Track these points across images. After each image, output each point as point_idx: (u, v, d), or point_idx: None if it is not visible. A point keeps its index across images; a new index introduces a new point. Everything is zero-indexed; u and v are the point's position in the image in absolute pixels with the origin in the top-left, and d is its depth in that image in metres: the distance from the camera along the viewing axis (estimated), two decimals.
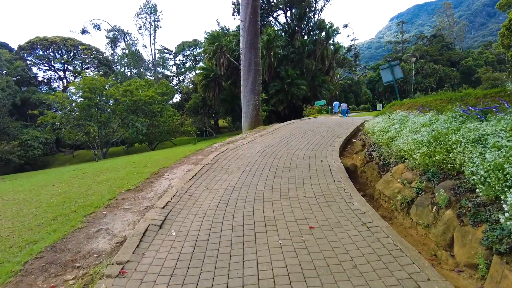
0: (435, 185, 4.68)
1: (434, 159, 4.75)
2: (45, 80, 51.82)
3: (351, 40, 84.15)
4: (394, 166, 5.95)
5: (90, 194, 7.30)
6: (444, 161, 4.63)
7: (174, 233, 4.44)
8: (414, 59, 65.27)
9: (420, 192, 4.91)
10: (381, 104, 63.39)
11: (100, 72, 51.19)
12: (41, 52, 48.78)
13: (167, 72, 73.55)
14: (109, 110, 35.93)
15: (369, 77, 74.19)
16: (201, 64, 57.55)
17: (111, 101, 36.86)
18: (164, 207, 5.25)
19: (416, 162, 5.02)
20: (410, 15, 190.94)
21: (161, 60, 72.47)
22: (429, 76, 65.07)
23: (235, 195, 5.82)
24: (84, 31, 60.29)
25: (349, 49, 57.59)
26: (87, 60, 52.26)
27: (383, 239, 4.08)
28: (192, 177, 6.82)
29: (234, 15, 44.23)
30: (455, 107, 6.20)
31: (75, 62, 52.22)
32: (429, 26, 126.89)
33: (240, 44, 16.85)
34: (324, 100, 32.75)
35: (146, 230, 4.47)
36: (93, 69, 52.67)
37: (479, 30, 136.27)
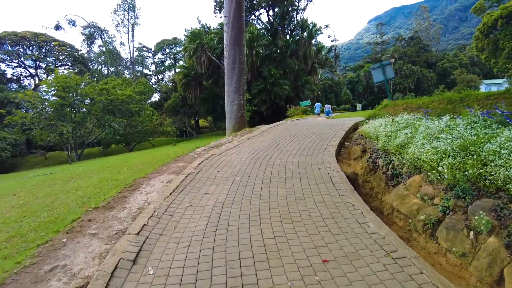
0: (467, 204, 3.89)
1: (466, 173, 3.96)
2: (15, 77, 48.66)
3: (332, 41, 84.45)
4: (408, 177, 5.15)
5: (56, 206, 6.23)
6: (480, 176, 3.84)
7: (151, 272, 3.43)
8: (393, 60, 66.04)
9: (447, 212, 4.11)
10: (360, 105, 63.75)
11: (75, 70, 48.86)
12: (9, 48, 45.72)
13: (146, 71, 71.33)
14: (84, 109, 34.09)
15: (349, 77, 74.69)
16: (181, 62, 55.97)
17: (86, 101, 35.09)
18: (139, 232, 4.23)
19: (444, 175, 4.21)
20: (387, 17, 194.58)
21: (140, 59, 70.21)
22: (408, 77, 66.05)
23: (225, 214, 4.84)
24: (58, 27, 57.55)
25: (329, 49, 57.53)
26: (60, 57, 49.39)
27: (417, 276, 3.23)
28: (173, 190, 5.80)
29: (215, 13, 43.07)
30: (476, 110, 5.46)
31: (48, 59, 49.26)
32: (406, 28, 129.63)
33: (224, 40, 15.84)
34: (309, 101, 32.16)
35: (116, 268, 3.44)
36: (67, 66, 49.92)
37: (452, 34, 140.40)
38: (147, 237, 4.15)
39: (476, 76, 65.98)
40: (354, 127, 12.30)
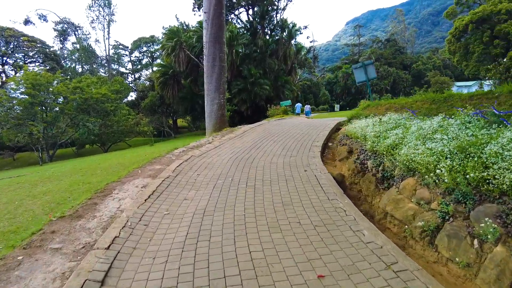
0: (469, 210, 3.62)
1: (467, 176, 3.68)
2: None
3: (310, 42, 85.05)
4: (401, 180, 4.87)
5: (19, 213, 5.64)
6: (482, 180, 3.58)
7: None
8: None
9: (447, 218, 3.84)
10: (338, 105, 64.48)
11: (47, 67, 46.72)
12: None
13: (122, 69, 69.29)
14: (57, 109, 32.56)
15: (327, 78, 75.44)
16: (158, 61, 54.60)
17: (59, 99, 33.60)
18: (109, 246, 3.71)
19: (444, 179, 3.92)
20: (364, 19, 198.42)
21: (116, 56, 68.11)
22: (384, 78, 67.41)
23: (207, 223, 4.38)
24: (27, 22, 54.85)
25: (308, 50, 57.82)
26: (30, 53, 46.78)
27: None
28: (149, 196, 5.27)
29: (194, 11, 42.26)
30: (469, 109, 5.24)
31: (16, 55, 46.64)
32: (382, 31, 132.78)
33: (203, 37, 15.30)
34: (290, 101, 31.95)
35: None
36: (38, 63, 47.49)
37: (425, 37, 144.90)
38: (119, 252, 3.64)
39: (449, 78, 68.20)
40: (337, 127, 12.10)
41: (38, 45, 46.65)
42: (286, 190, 5.56)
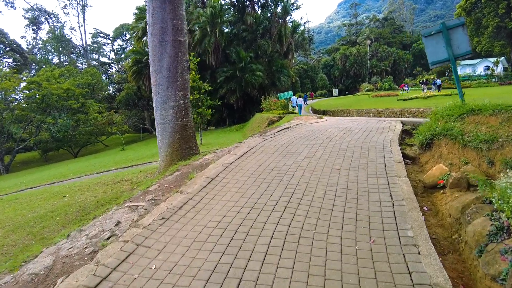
0: None
1: None
2: None
3: (305, 23, 76.95)
4: None
5: None
6: None
7: None
8: (369, 41, 60.10)
9: None
10: (337, 89, 57.50)
11: (10, 60, 39.37)
12: None
13: (104, 59, 61.47)
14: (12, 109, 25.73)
15: (324, 61, 68.22)
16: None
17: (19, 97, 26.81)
18: None
19: None
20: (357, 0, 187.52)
21: (96, 46, 60.22)
22: (384, 59, 60.49)
23: None
24: None
25: (303, 31, 50.46)
26: None
27: None
28: None
29: None
30: None
31: None
32: (375, 11, 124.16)
33: None
34: (291, 92, 24.63)
35: None
36: None
37: (419, 16, 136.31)
38: None
39: None
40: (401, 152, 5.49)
41: None
42: None
